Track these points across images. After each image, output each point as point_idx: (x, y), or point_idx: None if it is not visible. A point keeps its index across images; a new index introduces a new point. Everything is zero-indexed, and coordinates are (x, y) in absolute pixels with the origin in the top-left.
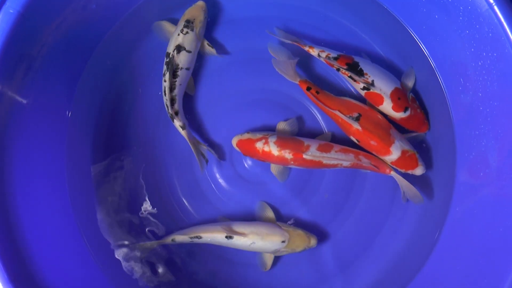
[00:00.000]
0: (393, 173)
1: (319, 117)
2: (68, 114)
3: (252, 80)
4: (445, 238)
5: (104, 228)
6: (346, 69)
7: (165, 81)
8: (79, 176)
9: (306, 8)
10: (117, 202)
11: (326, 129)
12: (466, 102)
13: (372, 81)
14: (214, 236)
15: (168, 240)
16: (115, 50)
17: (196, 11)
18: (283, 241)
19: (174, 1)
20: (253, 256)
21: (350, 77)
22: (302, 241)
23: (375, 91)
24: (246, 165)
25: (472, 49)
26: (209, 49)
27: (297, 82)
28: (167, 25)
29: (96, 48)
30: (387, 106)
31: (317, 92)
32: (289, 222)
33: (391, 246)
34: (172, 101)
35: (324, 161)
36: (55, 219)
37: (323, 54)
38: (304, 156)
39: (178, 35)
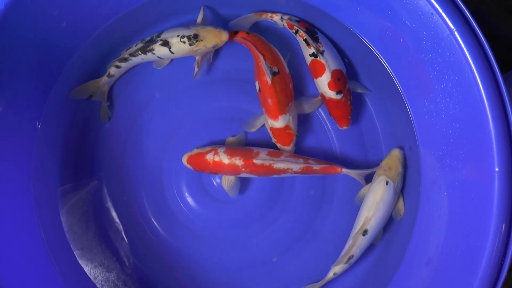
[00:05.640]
0: (344, 170)
1: None
2: (38, 125)
3: (224, 99)
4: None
5: (73, 246)
6: (304, 31)
7: (134, 46)
8: (46, 192)
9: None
10: (84, 220)
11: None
12: (430, 124)
13: (323, 51)
14: (359, 243)
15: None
16: (86, 67)
17: (212, 36)
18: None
19: (146, 20)
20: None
21: (305, 40)
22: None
23: (321, 61)
24: (215, 183)
25: (435, 73)
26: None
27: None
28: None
29: (67, 64)
30: (324, 80)
31: (247, 33)
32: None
33: (358, 264)
34: (124, 60)
35: (275, 166)
36: (20, 236)
37: (286, 17)
38: (255, 161)
39: (177, 36)
